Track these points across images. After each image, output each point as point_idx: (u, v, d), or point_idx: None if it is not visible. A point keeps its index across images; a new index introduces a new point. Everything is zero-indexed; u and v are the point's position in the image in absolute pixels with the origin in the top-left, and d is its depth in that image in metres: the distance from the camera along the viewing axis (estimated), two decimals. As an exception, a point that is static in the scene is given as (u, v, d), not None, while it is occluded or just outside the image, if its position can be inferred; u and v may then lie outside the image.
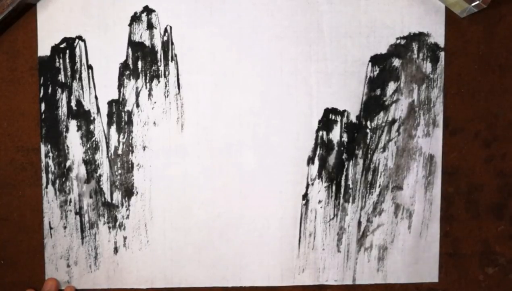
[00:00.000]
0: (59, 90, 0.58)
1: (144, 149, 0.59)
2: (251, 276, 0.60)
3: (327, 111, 0.59)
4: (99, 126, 0.58)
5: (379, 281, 0.61)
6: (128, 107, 0.59)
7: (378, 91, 0.60)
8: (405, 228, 0.61)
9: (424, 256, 0.61)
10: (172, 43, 0.58)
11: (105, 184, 0.59)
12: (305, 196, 0.60)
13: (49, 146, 0.58)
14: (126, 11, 0.58)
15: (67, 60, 0.58)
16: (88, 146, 0.58)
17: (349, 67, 0.59)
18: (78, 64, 0.58)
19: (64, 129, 0.58)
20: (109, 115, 0.58)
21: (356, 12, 0.59)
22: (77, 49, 0.58)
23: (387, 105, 0.60)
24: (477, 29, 0.60)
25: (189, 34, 0.58)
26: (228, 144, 0.59)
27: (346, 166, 0.60)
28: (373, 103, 0.60)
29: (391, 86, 0.60)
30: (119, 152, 0.59)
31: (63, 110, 0.58)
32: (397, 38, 0.59)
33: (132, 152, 0.59)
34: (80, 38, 0.58)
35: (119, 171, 0.59)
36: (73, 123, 0.58)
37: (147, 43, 0.58)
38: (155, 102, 0.59)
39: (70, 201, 0.59)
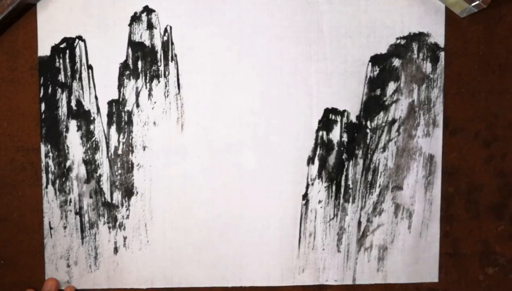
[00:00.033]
0: (59, 90, 0.58)
1: (144, 149, 0.59)
2: (251, 276, 0.60)
3: (327, 111, 0.59)
4: (99, 126, 0.58)
5: (379, 281, 0.61)
6: (128, 107, 0.59)
7: (378, 91, 0.60)
8: (405, 228, 0.61)
9: (424, 256, 0.61)
10: (172, 43, 0.58)
11: (105, 184, 0.59)
12: (305, 196, 0.60)
13: (49, 146, 0.58)
14: (126, 11, 0.58)
15: (67, 60, 0.58)
16: (88, 146, 0.58)
17: (349, 67, 0.59)
18: (78, 64, 0.58)
19: (64, 129, 0.58)
20: (109, 115, 0.58)
21: (356, 12, 0.59)
22: (77, 49, 0.58)
23: (387, 105, 0.60)
24: (477, 29, 0.60)
25: (189, 34, 0.58)
26: (228, 144, 0.59)
27: (346, 166, 0.60)
28: (373, 103, 0.60)
29: (391, 86, 0.60)
30: (119, 152, 0.59)
31: (63, 110, 0.58)
32: (397, 38, 0.59)
33: (132, 152, 0.59)
34: (80, 38, 0.58)
35: (119, 171, 0.59)
36: (73, 123, 0.58)
37: (147, 43, 0.58)
38: (155, 102, 0.59)
39: (70, 201, 0.59)
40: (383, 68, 0.59)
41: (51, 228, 0.59)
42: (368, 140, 0.60)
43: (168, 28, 0.58)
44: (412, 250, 0.61)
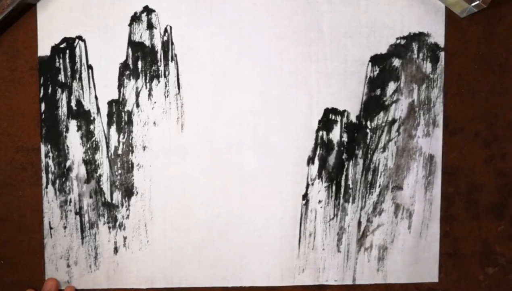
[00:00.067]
0: (59, 90, 0.58)
1: (144, 149, 0.59)
2: (251, 276, 0.60)
3: (327, 111, 0.59)
4: (99, 126, 0.58)
5: (379, 281, 0.61)
6: (128, 107, 0.59)
7: (378, 91, 0.60)
8: (405, 228, 0.61)
9: (424, 256, 0.61)
10: (172, 43, 0.58)
11: (105, 184, 0.59)
12: (305, 196, 0.60)
13: (49, 146, 0.58)
14: (126, 11, 0.58)
15: (67, 60, 0.58)
16: (88, 145, 0.59)
17: (349, 67, 0.59)
18: (78, 64, 0.58)
19: (64, 129, 0.58)
20: (109, 115, 0.58)
21: (356, 12, 0.59)
22: (77, 49, 0.58)
23: (387, 105, 0.60)
24: (477, 29, 0.60)
25: (189, 34, 0.58)
26: (228, 144, 0.59)
27: (346, 166, 0.60)
28: (373, 103, 0.60)
29: (391, 86, 0.60)
30: (119, 152, 0.59)
31: (63, 110, 0.58)
32: (397, 38, 0.59)
33: (132, 152, 0.59)
34: (80, 38, 0.58)
35: (119, 171, 0.59)
36: (73, 123, 0.58)
37: (147, 43, 0.58)
38: (155, 102, 0.59)
39: (70, 201, 0.59)
40: (383, 68, 0.59)
41: (51, 228, 0.59)
42: (368, 140, 0.60)
43: (168, 28, 0.58)
44: (412, 250, 0.61)
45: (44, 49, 0.58)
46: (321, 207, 0.60)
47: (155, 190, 0.59)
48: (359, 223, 0.60)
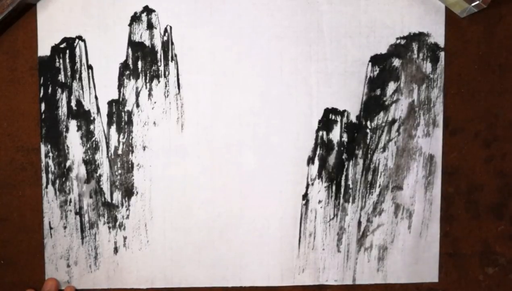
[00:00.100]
0: (59, 90, 0.58)
1: (144, 149, 0.59)
2: (251, 276, 0.60)
3: (327, 111, 0.59)
4: (99, 126, 0.58)
5: (379, 281, 0.61)
6: (128, 107, 0.59)
7: (378, 91, 0.60)
8: (405, 228, 0.61)
9: (424, 256, 0.61)
10: (172, 43, 0.58)
11: (105, 184, 0.59)
12: (305, 196, 0.60)
13: (49, 146, 0.58)
14: (126, 11, 0.58)
15: (67, 60, 0.58)
16: (88, 145, 0.58)
17: (349, 67, 0.59)
18: (78, 64, 0.58)
19: (64, 129, 0.58)
20: (109, 115, 0.58)
21: (356, 12, 0.59)
22: (77, 49, 0.58)
23: (387, 105, 0.60)
24: (477, 29, 0.60)
25: (189, 34, 0.58)
26: (228, 145, 0.59)
27: (346, 166, 0.60)
28: (373, 103, 0.60)
29: (391, 86, 0.60)
30: (119, 152, 0.59)
31: (63, 110, 0.58)
32: (397, 38, 0.59)
33: (132, 152, 0.59)
34: (80, 38, 0.58)
35: (119, 171, 0.59)
36: (73, 123, 0.58)
37: (147, 43, 0.58)
38: (155, 102, 0.59)
39: (70, 201, 0.59)
40: (383, 68, 0.59)
41: (51, 228, 0.59)
42: (368, 140, 0.60)
43: (168, 28, 0.58)
44: (412, 250, 0.61)
45: (44, 49, 0.58)
46: (321, 207, 0.60)
47: (155, 190, 0.59)
48: (359, 223, 0.60)
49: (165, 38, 0.58)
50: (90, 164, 0.59)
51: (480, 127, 0.61)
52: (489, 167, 0.61)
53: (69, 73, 0.58)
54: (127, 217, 0.59)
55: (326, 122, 0.59)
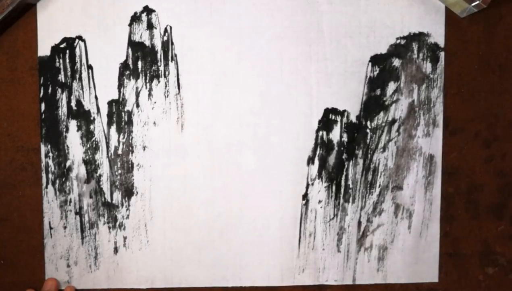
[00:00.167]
0: (59, 90, 0.58)
1: (144, 149, 0.59)
2: (251, 276, 0.60)
3: (327, 111, 0.59)
4: (99, 126, 0.58)
5: (379, 281, 0.61)
6: (128, 107, 0.59)
7: (378, 91, 0.60)
8: (405, 228, 0.61)
9: (424, 256, 0.61)
10: (172, 43, 0.58)
11: (105, 184, 0.59)
12: (305, 196, 0.60)
13: (49, 146, 0.58)
14: (126, 11, 0.58)
15: (67, 60, 0.58)
16: (88, 145, 0.59)
17: (349, 67, 0.59)
18: (78, 64, 0.58)
19: (64, 129, 0.58)
20: (109, 115, 0.58)
21: (356, 12, 0.59)
22: (77, 49, 0.58)
23: (387, 105, 0.60)
24: (477, 29, 0.60)
25: (189, 34, 0.58)
26: (228, 145, 0.59)
27: (346, 166, 0.60)
28: (373, 103, 0.60)
29: (391, 86, 0.60)
30: (119, 152, 0.59)
31: (63, 110, 0.58)
32: (397, 38, 0.59)
33: (132, 152, 0.59)
34: (80, 38, 0.58)
35: (119, 171, 0.59)
36: (73, 123, 0.58)
37: (147, 43, 0.58)
38: (155, 102, 0.59)
39: (70, 201, 0.59)
40: (383, 68, 0.59)
41: (51, 228, 0.59)
42: (368, 140, 0.60)
43: (168, 28, 0.58)
44: (412, 250, 0.61)
45: (44, 49, 0.58)
46: (321, 207, 0.60)
47: (155, 190, 0.59)
48: (359, 223, 0.60)
49: (165, 38, 0.58)
50: (90, 164, 0.59)
51: (480, 127, 0.61)
52: (489, 167, 0.61)
53: (69, 73, 0.58)
54: (127, 217, 0.59)
55: (326, 122, 0.59)
